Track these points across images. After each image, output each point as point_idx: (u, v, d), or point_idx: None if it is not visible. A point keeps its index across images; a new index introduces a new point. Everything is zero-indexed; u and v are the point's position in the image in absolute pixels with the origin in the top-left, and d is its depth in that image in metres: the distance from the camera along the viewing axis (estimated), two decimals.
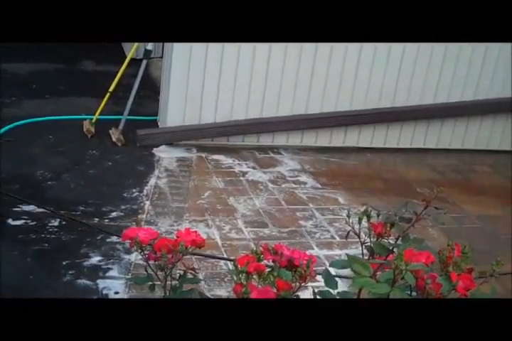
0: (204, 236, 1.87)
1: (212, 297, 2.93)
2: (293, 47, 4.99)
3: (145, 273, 1.85)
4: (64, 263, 3.36)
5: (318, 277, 1.74)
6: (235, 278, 1.56)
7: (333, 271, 1.98)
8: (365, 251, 1.77)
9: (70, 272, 3.29)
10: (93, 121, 5.24)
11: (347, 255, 1.59)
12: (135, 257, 3.40)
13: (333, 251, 3.70)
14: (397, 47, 5.14)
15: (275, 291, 1.56)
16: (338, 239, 3.84)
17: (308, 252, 1.75)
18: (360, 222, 1.68)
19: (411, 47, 5.17)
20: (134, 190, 4.26)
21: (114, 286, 3.19)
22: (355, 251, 3.50)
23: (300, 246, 3.62)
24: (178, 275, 1.86)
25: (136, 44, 5.32)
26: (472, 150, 5.61)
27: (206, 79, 4.96)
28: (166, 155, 4.93)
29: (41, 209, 3.85)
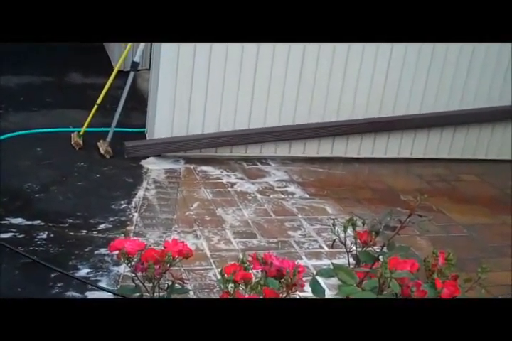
0: (193, 248, 1.88)
1: None
2: (280, 58, 5.01)
3: (133, 284, 1.85)
4: (52, 275, 3.35)
5: (307, 287, 1.75)
6: (222, 286, 1.57)
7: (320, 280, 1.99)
8: (351, 260, 1.78)
9: (59, 284, 3.28)
10: (81, 133, 5.24)
11: (332, 264, 1.60)
12: (124, 269, 3.39)
13: (321, 261, 3.71)
14: (382, 57, 5.18)
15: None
16: (326, 248, 3.85)
17: (296, 262, 1.76)
18: (345, 231, 1.70)
19: (396, 57, 5.20)
20: (122, 202, 4.26)
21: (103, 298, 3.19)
22: (344, 260, 3.51)
23: (289, 257, 3.62)
24: (166, 285, 1.86)
25: (123, 56, 5.33)
26: (459, 159, 5.64)
27: (193, 91, 4.98)
28: (154, 166, 4.94)
29: (29, 222, 3.85)
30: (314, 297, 1.76)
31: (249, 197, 4.52)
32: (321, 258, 3.74)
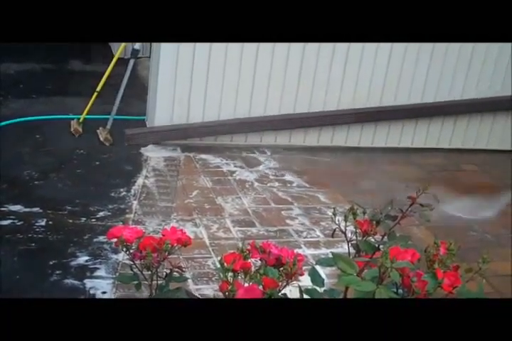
0: (192, 236, 1.87)
1: (199, 296, 2.93)
2: (281, 46, 4.98)
3: (132, 272, 1.84)
4: (51, 263, 3.35)
5: (305, 276, 1.74)
6: (222, 275, 1.56)
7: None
8: (351, 249, 1.77)
9: (57, 272, 3.28)
10: (80, 120, 5.22)
11: (332, 253, 1.59)
12: (122, 257, 3.39)
13: (319, 250, 3.70)
14: (384, 46, 5.15)
15: (261, 289, 1.56)
16: (324, 237, 3.84)
17: (295, 251, 1.75)
18: (346, 220, 1.68)
19: (398, 46, 5.17)
20: (121, 190, 4.25)
21: (102, 286, 3.19)
22: (342, 250, 3.50)
23: (287, 245, 3.61)
24: (164, 274, 1.85)
25: (123, 43, 5.30)
26: (460, 149, 5.63)
27: (194, 79, 4.96)
28: (154, 154, 4.92)
29: (28, 209, 3.84)
30: (313, 286, 1.76)
31: (249, 186, 4.51)
32: (319, 248, 3.73)
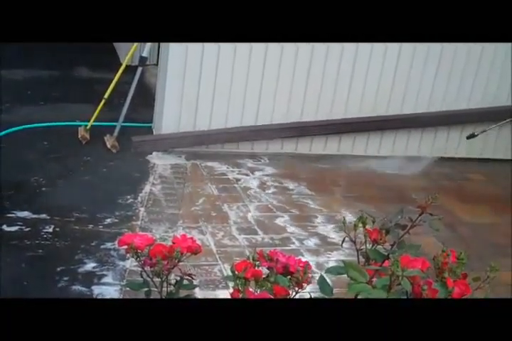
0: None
1: None
2: (288, 55, 5.00)
3: (139, 279, 1.84)
4: (58, 269, 3.36)
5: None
6: (233, 283, 1.56)
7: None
8: (359, 258, 1.77)
9: (65, 278, 3.28)
10: (88, 127, 5.24)
11: (343, 261, 1.59)
12: (130, 263, 3.39)
13: (323, 258, 3.70)
14: (391, 55, 5.17)
15: (272, 297, 1.57)
16: (329, 246, 3.84)
17: (303, 260, 1.75)
18: (355, 229, 1.69)
19: (405, 55, 5.19)
20: (128, 197, 4.26)
21: (109, 292, 3.19)
22: (344, 258, 3.50)
23: (292, 253, 3.62)
24: (174, 281, 1.86)
25: (131, 51, 5.33)
26: (466, 158, 5.62)
27: (201, 86, 4.98)
28: (161, 161, 4.94)
29: (35, 216, 3.85)
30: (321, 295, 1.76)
31: (255, 193, 4.52)
32: (323, 255, 3.72)
